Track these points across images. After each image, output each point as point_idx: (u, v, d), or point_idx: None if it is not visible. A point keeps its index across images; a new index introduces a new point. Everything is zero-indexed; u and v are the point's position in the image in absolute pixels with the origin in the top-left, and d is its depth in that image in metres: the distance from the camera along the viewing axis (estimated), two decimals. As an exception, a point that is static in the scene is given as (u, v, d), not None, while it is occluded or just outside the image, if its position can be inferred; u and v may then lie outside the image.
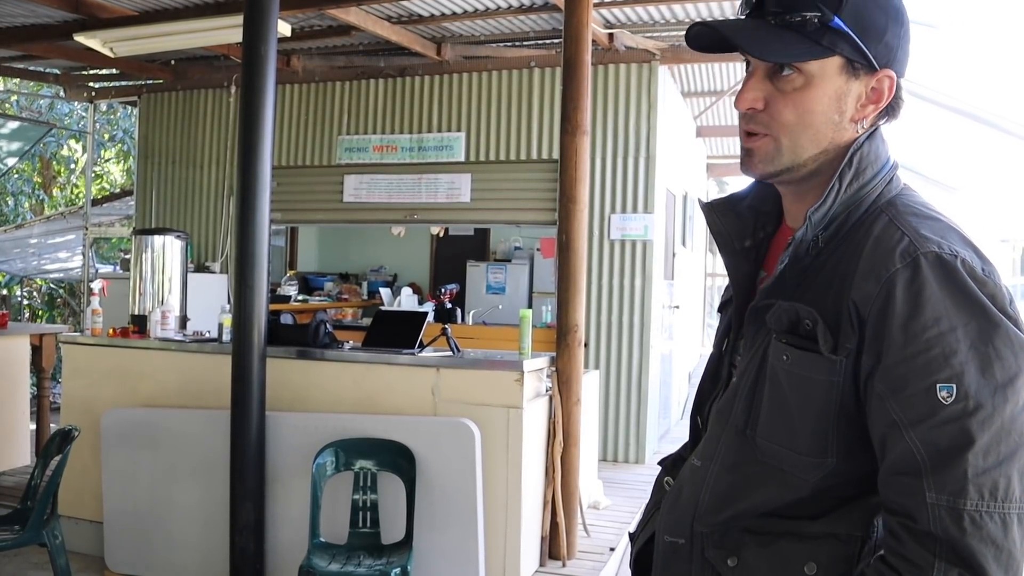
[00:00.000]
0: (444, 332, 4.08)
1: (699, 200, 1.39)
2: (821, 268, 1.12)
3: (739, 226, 1.25)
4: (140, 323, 4.66)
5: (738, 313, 1.25)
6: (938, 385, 0.99)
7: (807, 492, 1.11)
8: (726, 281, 1.32)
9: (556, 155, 5.08)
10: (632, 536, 1.38)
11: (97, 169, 14.07)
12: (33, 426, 6.24)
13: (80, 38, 5.97)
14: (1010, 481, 0.98)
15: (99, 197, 12.23)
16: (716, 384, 1.28)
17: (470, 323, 7.60)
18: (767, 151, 1.15)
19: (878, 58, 1.11)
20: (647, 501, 1.39)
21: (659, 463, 1.41)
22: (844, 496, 1.10)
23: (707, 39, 1.16)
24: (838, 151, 1.14)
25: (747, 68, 1.17)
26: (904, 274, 1.02)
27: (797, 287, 1.13)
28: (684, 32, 5.80)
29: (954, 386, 0.99)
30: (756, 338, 1.17)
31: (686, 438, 1.38)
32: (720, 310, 1.35)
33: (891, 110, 1.16)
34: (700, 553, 1.18)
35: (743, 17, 1.15)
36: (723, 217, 1.27)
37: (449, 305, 8.07)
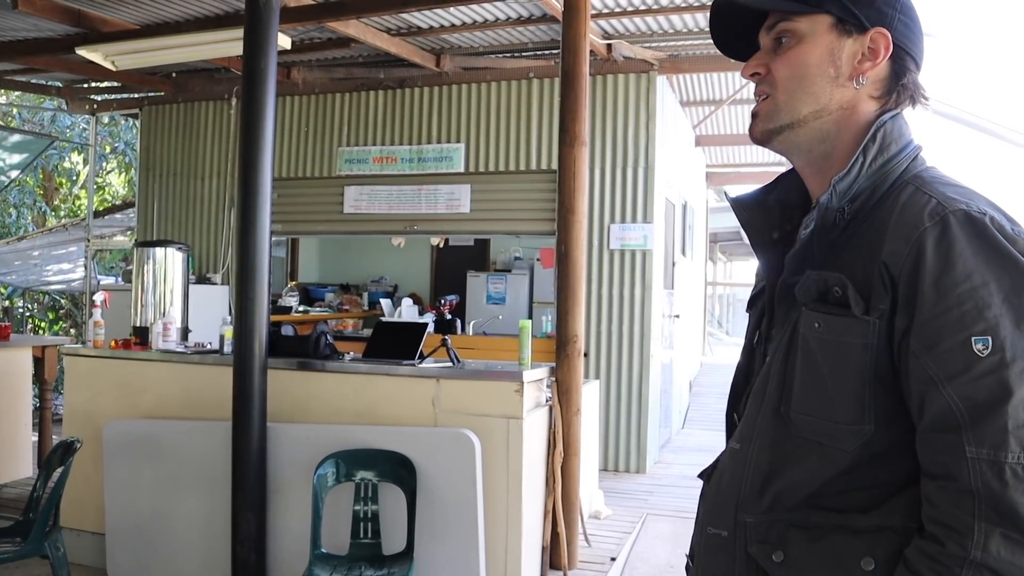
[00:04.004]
0: (444, 343, 4.09)
1: (726, 194, 1.40)
2: (849, 240, 1.12)
3: (767, 219, 1.26)
4: (142, 335, 4.67)
5: (770, 302, 1.25)
6: (973, 338, 0.98)
7: (846, 464, 1.08)
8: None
9: (555, 165, 5.10)
10: (688, 567, 1.33)
11: (99, 181, 14.11)
12: (35, 438, 6.25)
13: (82, 52, 6.01)
14: None
15: (101, 209, 12.26)
16: (749, 379, 1.27)
17: (470, 333, 7.61)
18: (768, 110, 1.19)
19: (868, 18, 1.14)
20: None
21: (699, 476, 1.36)
22: (893, 483, 1.07)
23: (722, 28, 1.26)
24: (842, 113, 1.16)
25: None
26: (934, 232, 1.02)
27: (826, 259, 1.13)
28: (683, 41, 5.76)
29: (989, 338, 0.98)
30: (787, 316, 1.17)
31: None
32: (749, 307, 1.34)
33: (907, 93, 1.18)
34: (743, 548, 1.15)
35: None
36: (751, 211, 1.28)
37: (449, 316, 8.08)
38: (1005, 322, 0.98)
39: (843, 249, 1.12)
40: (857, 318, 1.06)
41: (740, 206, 1.29)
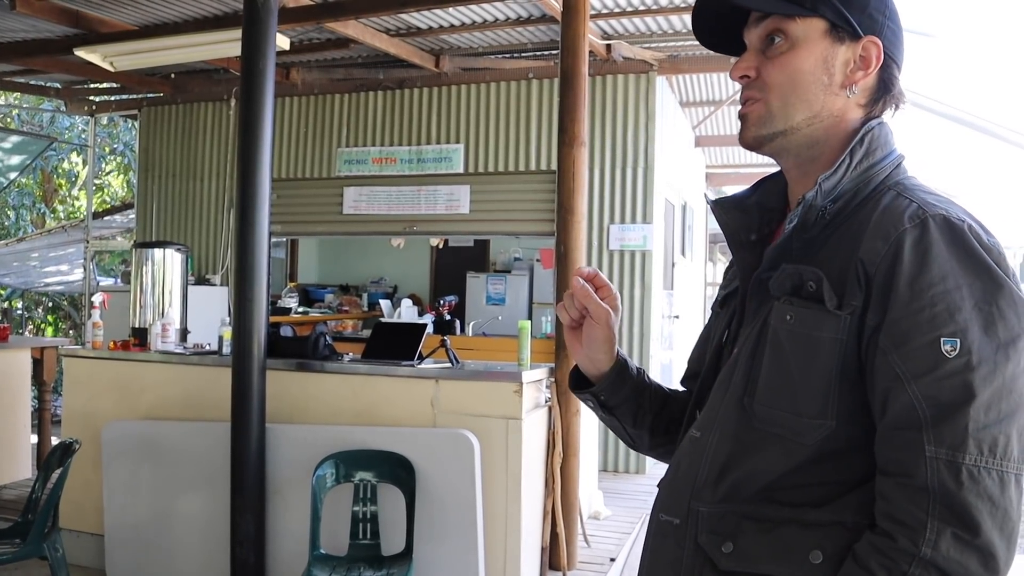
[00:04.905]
0: (443, 343, 4.09)
1: (706, 196, 1.41)
2: (828, 239, 1.13)
3: (746, 221, 1.27)
4: (141, 336, 4.67)
5: (742, 299, 1.25)
6: (942, 339, 1.00)
7: (804, 458, 1.09)
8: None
9: (555, 166, 5.10)
10: None
11: (98, 182, 14.11)
12: (34, 439, 6.25)
13: (81, 53, 6.01)
14: (1009, 440, 0.99)
15: (100, 210, 12.27)
16: (701, 371, 1.29)
17: (470, 334, 7.61)
18: (759, 114, 1.18)
19: (862, 25, 1.14)
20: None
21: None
22: (848, 480, 1.08)
23: (706, 18, 1.27)
24: (833, 120, 1.16)
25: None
26: (912, 233, 1.04)
27: (803, 255, 1.14)
28: (682, 42, 5.76)
29: (958, 340, 0.99)
30: (759, 311, 1.18)
31: None
32: (721, 305, 1.34)
33: (889, 95, 1.18)
34: (693, 538, 1.16)
35: None
36: (729, 213, 1.29)
37: (448, 316, 8.08)
38: (974, 327, 1.00)
39: (821, 247, 1.13)
40: (829, 312, 1.08)
41: (719, 208, 1.30)
